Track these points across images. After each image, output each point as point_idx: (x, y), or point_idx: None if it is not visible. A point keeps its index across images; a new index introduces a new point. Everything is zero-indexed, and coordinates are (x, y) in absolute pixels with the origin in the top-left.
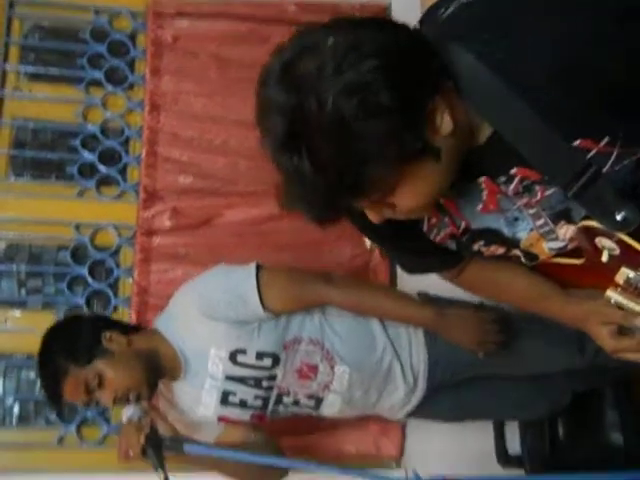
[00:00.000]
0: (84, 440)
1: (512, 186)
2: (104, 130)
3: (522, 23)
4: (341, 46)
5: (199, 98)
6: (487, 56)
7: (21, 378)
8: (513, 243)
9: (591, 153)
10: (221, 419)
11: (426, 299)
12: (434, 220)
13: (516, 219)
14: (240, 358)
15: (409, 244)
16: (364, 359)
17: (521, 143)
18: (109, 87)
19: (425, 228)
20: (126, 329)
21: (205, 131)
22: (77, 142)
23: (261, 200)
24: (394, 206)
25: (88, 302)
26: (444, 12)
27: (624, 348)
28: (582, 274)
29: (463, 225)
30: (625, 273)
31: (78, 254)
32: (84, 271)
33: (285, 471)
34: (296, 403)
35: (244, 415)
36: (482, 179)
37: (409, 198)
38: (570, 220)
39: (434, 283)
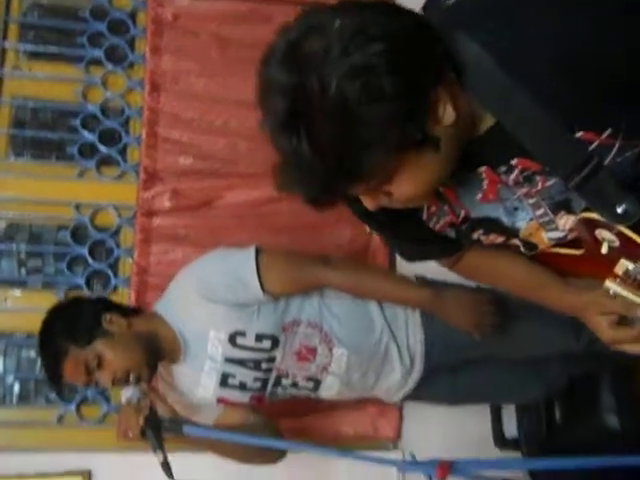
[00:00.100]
0: (84, 419)
1: (513, 176)
2: (104, 110)
3: (525, 14)
4: (348, 28)
5: (200, 78)
6: (491, 45)
7: (21, 357)
8: (512, 232)
9: (593, 145)
10: (220, 401)
11: (423, 282)
12: (433, 208)
13: (516, 209)
14: (239, 340)
15: (408, 232)
16: (362, 341)
17: (523, 134)
18: (109, 66)
19: (424, 216)
20: (126, 312)
21: (205, 112)
22: (77, 122)
23: (261, 182)
24: (391, 194)
25: (88, 282)
26: None
27: (622, 339)
28: (581, 264)
29: (462, 214)
30: (624, 265)
31: (78, 234)
32: (84, 251)
33: (283, 452)
34: (295, 385)
35: (243, 397)
36: (483, 169)
37: (406, 187)
38: (570, 211)
39: (433, 267)
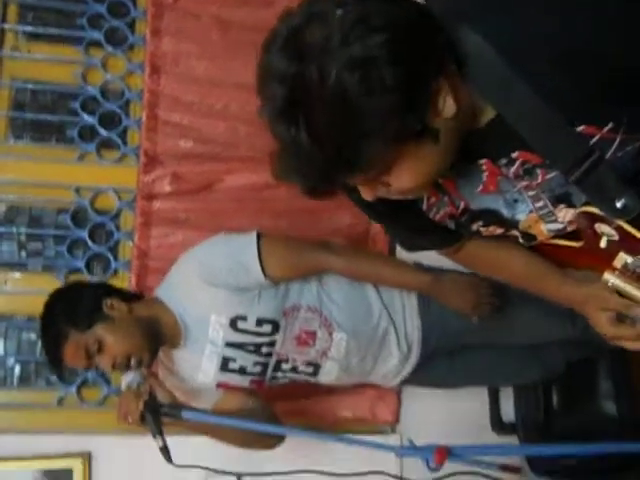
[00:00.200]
0: (84, 401)
1: (513, 169)
2: (104, 92)
3: (527, 7)
4: (349, 18)
5: (200, 61)
6: (493, 38)
7: (22, 339)
8: (512, 224)
9: (594, 139)
10: (220, 385)
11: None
12: (433, 199)
13: (515, 201)
14: (240, 324)
15: (408, 222)
16: (361, 326)
17: (523, 127)
18: (109, 48)
19: (424, 207)
20: (127, 297)
21: (206, 95)
22: (77, 104)
23: (261, 166)
24: (389, 185)
25: (88, 265)
26: None
27: (622, 336)
28: (580, 256)
29: (462, 205)
30: (623, 258)
31: (78, 217)
32: (84, 234)
33: (282, 437)
34: (294, 370)
35: (243, 381)
36: (483, 161)
37: (404, 178)
38: (570, 204)
39: (429, 254)
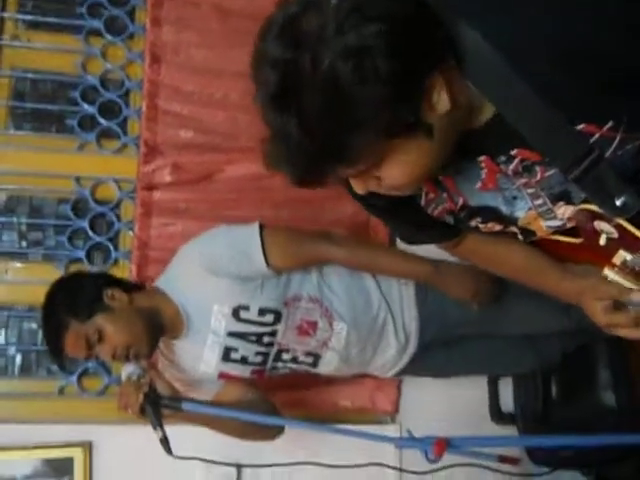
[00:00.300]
0: (85, 390)
1: (512, 166)
2: (104, 81)
3: (526, 6)
4: (344, 7)
5: (200, 50)
6: (493, 36)
7: (23, 329)
8: (510, 221)
9: (594, 137)
10: (222, 375)
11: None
12: (432, 195)
13: (514, 198)
14: (243, 314)
15: (407, 217)
16: (361, 316)
17: (523, 125)
18: (109, 37)
19: (422, 203)
20: (128, 287)
21: (206, 85)
22: (77, 94)
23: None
24: (381, 179)
25: (89, 255)
26: None
27: (617, 324)
28: (579, 252)
29: (461, 202)
30: (622, 256)
31: (79, 207)
32: (85, 224)
33: (281, 429)
34: (294, 360)
35: (245, 371)
36: (482, 158)
37: (396, 173)
38: (569, 201)
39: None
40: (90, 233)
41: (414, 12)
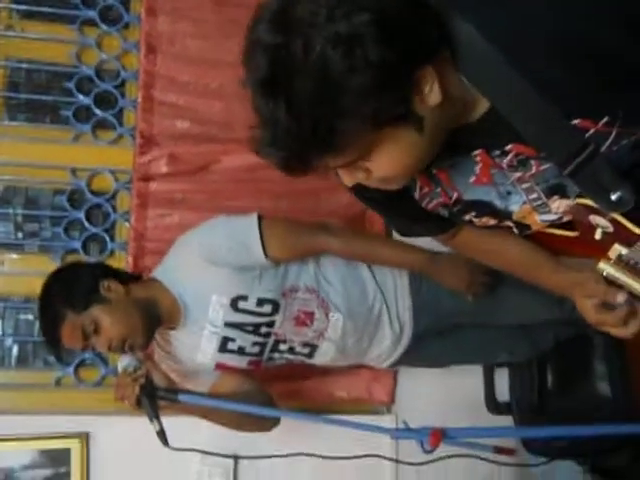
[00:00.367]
0: (82, 381)
1: (507, 160)
2: (99, 72)
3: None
4: None
5: (196, 40)
6: (487, 28)
7: (19, 320)
8: (505, 215)
9: (589, 132)
10: (218, 366)
11: None
12: (426, 189)
13: (509, 193)
14: (241, 304)
15: (402, 210)
16: (357, 307)
17: (518, 119)
18: (104, 27)
19: (417, 196)
20: (125, 278)
21: (202, 75)
22: (72, 84)
23: None
24: (369, 171)
25: (85, 246)
26: None
27: (605, 322)
28: (575, 245)
29: (455, 196)
30: (618, 250)
31: (75, 198)
32: (81, 215)
33: (277, 420)
34: (291, 350)
35: (241, 362)
36: (477, 152)
37: (384, 165)
38: (564, 195)
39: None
40: (86, 224)
41: (407, 3)
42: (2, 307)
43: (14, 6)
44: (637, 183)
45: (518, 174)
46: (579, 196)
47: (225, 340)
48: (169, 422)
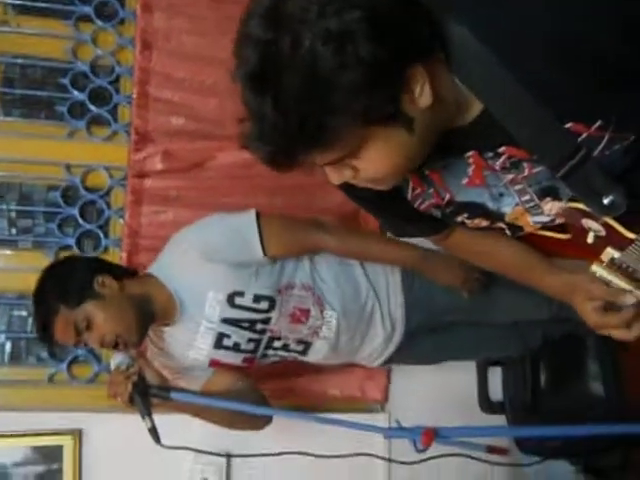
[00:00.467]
0: (75, 378)
1: (499, 162)
2: (94, 68)
3: (519, 1)
4: None
5: (191, 36)
6: (483, 29)
7: (13, 316)
8: (498, 216)
9: (582, 136)
10: (213, 363)
11: None
12: (418, 190)
13: (501, 194)
14: (238, 300)
15: (395, 210)
16: (350, 304)
17: (511, 122)
18: (99, 22)
19: (409, 197)
20: (121, 274)
21: (197, 71)
22: (67, 80)
23: None
24: (357, 170)
25: (79, 243)
26: None
27: (607, 325)
28: (568, 247)
29: (447, 197)
30: (610, 253)
31: (69, 195)
32: (75, 212)
33: (269, 418)
34: (285, 347)
35: (236, 358)
36: (470, 153)
37: (372, 165)
38: (557, 197)
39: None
40: (80, 221)
41: (399, 1)
42: None
43: (9, 1)
44: (629, 187)
45: (511, 176)
46: (571, 199)
47: (221, 336)
48: (162, 420)
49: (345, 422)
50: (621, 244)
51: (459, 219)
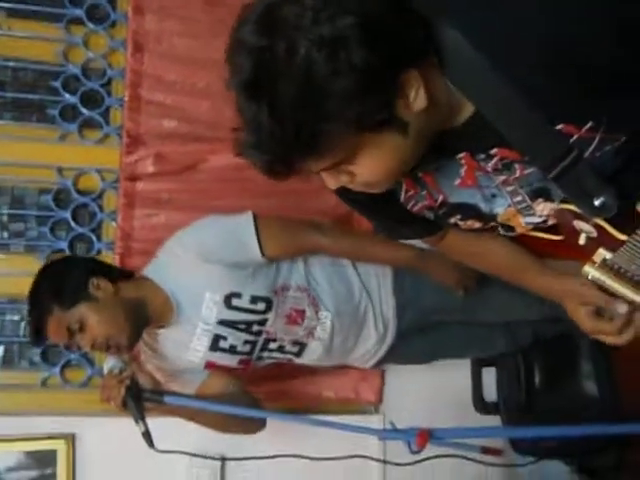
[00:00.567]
0: (68, 382)
1: (491, 163)
2: (85, 71)
3: (512, 5)
4: None
5: (183, 39)
6: (477, 32)
7: (5, 320)
8: (490, 217)
9: (573, 138)
10: (208, 365)
11: None
12: (411, 192)
13: (493, 196)
14: (234, 302)
15: (388, 213)
16: (344, 305)
17: (502, 124)
18: (90, 25)
19: (402, 199)
20: (117, 276)
21: (189, 74)
22: (58, 83)
23: None
24: (353, 175)
25: (71, 246)
26: None
27: (601, 331)
28: (559, 248)
29: (440, 198)
30: (602, 254)
31: (61, 198)
32: (67, 215)
33: (263, 422)
34: (280, 349)
35: (232, 360)
36: (462, 154)
37: (368, 169)
38: (548, 198)
39: None
40: (72, 224)
41: (393, 7)
42: None
43: (0, 4)
44: (620, 189)
45: (503, 177)
46: (563, 201)
47: (217, 338)
48: (156, 423)
49: (340, 424)
50: (613, 245)
51: (452, 220)
